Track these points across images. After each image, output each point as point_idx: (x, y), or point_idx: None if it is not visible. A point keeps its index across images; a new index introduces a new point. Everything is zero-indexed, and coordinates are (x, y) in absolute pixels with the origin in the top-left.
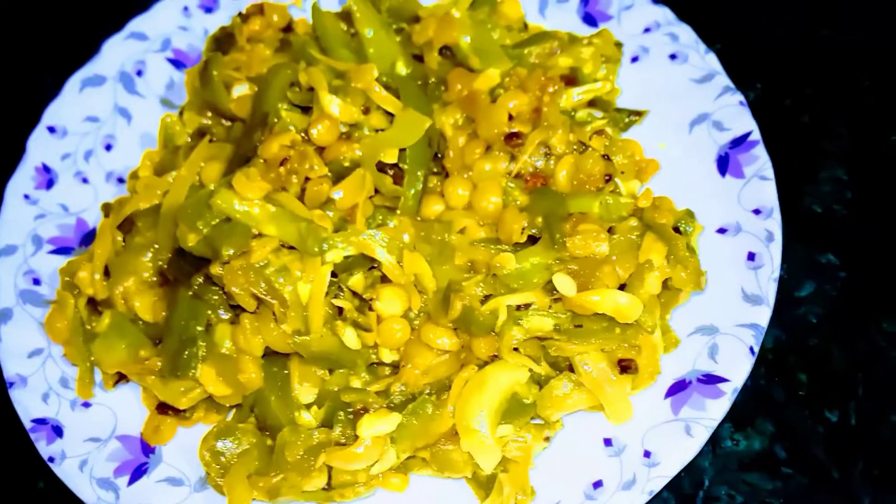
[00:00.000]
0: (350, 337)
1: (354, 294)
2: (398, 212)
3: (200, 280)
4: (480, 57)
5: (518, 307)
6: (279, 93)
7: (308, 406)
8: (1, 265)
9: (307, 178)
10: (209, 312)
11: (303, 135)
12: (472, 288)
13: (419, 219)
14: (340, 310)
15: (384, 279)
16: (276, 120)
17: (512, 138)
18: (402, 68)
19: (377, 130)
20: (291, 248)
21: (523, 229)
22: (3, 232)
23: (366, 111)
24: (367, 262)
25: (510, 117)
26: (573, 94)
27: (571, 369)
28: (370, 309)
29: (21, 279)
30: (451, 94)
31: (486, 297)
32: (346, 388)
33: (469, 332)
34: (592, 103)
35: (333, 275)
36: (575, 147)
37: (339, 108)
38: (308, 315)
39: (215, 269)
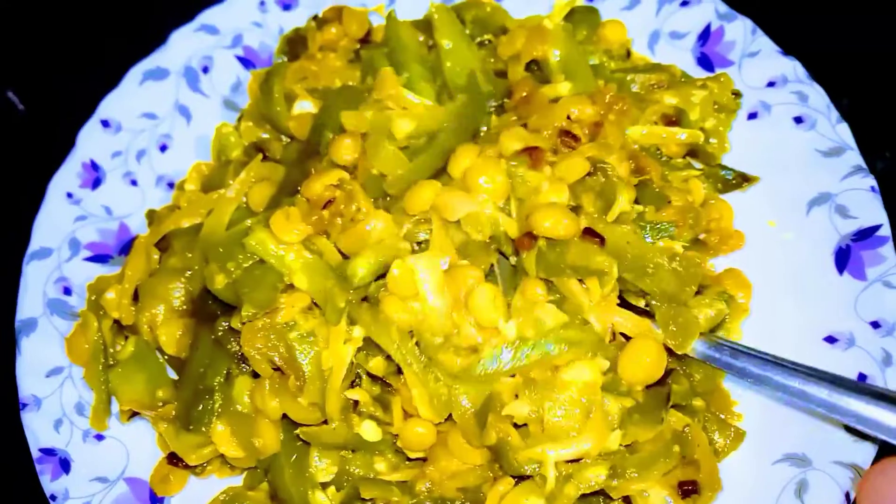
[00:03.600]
0: (368, 430)
1: (374, 379)
2: None
3: (225, 325)
4: (567, 76)
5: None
6: (339, 122)
7: (325, 485)
8: (32, 269)
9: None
10: (230, 363)
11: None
12: (513, 407)
13: None
14: (356, 402)
15: None
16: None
17: (567, 136)
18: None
19: None
20: None
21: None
22: (39, 232)
23: None
24: None
25: (569, 118)
26: (675, 135)
27: (626, 500)
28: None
29: (52, 287)
30: (513, 101)
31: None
32: (368, 480)
33: (503, 469)
34: (694, 154)
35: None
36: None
37: None
38: (324, 401)
39: (236, 323)
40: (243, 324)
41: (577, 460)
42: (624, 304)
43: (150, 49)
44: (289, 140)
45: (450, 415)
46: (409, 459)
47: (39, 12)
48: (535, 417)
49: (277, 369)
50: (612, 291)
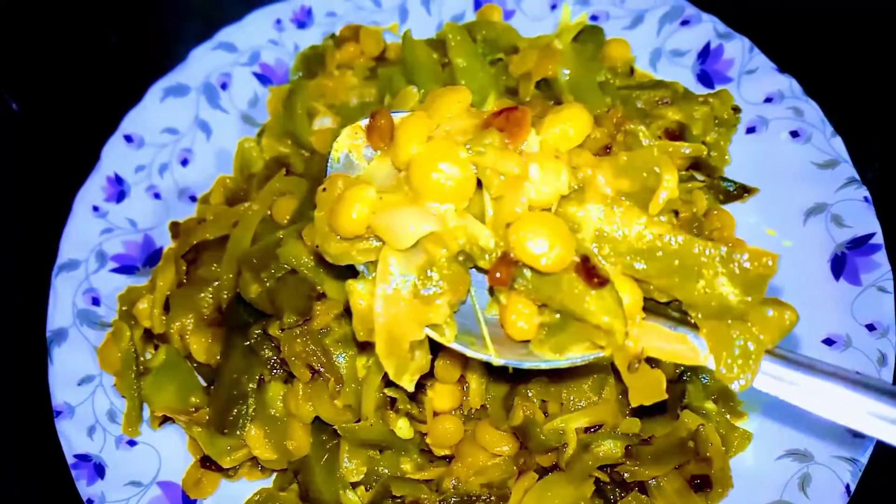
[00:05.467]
0: (403, 428)
1: None
2: None
3: (258, 332)
4: (576, 94)
5: (587, 429)
6: None
7: (355, 485)
8: (62, 280)
9: None
10: (262, 369)
11: None
12: (537, 395)
13: None
14: (393, 399)
15: None
16: None
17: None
18: (492, 103)
19: None
20: None
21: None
22: (67, 245)
23: None
24: None
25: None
26: (679, 149)
27: (640, 487)
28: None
29: (80, 298)
30: None
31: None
32: (397, 479)
33: (527, 446)
34: (697, 166)
35: None
36: None
37: None
38: (361, 399)
39: (274, 331)
40: (283, 330)
41: (595, 430)
42: (650, 307)
43: (170, 66)
44: (309, 154)
45: (473, 410)
46: (433, 460)
47: (62, 32)
48: (553, 392)
49: (315, 373)
50: (636, 308)
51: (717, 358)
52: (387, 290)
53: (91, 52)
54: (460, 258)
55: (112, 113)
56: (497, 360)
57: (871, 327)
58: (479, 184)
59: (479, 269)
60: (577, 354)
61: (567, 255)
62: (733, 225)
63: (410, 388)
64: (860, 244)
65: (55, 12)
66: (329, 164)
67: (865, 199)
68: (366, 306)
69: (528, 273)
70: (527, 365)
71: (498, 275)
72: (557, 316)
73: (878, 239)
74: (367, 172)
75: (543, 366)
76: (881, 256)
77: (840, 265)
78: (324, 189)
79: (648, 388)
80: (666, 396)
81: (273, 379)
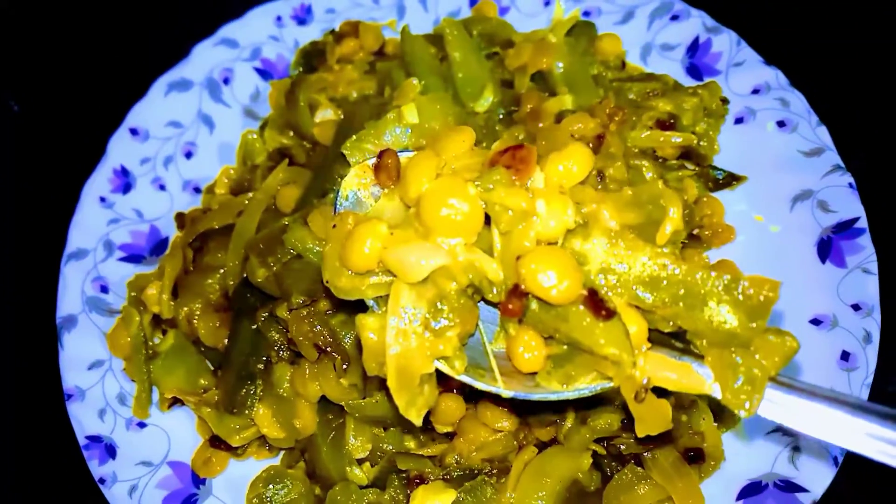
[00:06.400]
0: None
1: None
2: None
3: (265, 315)
4: (570, 86)
5: None
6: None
7: (360, 461)
8: (71, 269)
9: None
10: (269, 350)
11: None
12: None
13: None
14: None
15: None
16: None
17: None
18: (489, 96)
19: None
20: None
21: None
22: (75, 234)
23: None
24: None
25: (573, 135)
26: (670, 138)
27: (636, 460)
28: None
29: (89, 285)
30: (521, 113)
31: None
32: (402, 454)
33: (527, 422)
34: (687, 156)
35: None
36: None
37: None
38: (366, 379)
39: (282, 312)
40: (290, 311)
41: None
42: (654, 337)
43: (173, 62)
44: (311, 146)
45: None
46: (435, 437)
47: (70, 32)
48: None
49: (322, 352)
50: (642, 339)
51: (723, 386)
52: (399, 323)
53: (95, 48)
54: (469, 291)
55: (117, 107)
56: (506, 393)
57: (856, 307)
58: (486, 220)
59: (487, 303)
60: (584, 385)
61: (576, 287)
62: (722, 212)
63: (418, 422)
64: (845, 228)
65: (58, 10)
66: (338, 203)
67: (850, 185)
68: (377, 340)
69: (534, 305)
70: (535, 397)
71: (510, 306)
72: (564, 347)
73: (863, 223)
74: (375, 210)
75: (552, 397)
76: (865, 239)
77: (826, 249)
78: (334, 226)
79: (655, 418)
80: (672, 426)
81: (279, 360)
